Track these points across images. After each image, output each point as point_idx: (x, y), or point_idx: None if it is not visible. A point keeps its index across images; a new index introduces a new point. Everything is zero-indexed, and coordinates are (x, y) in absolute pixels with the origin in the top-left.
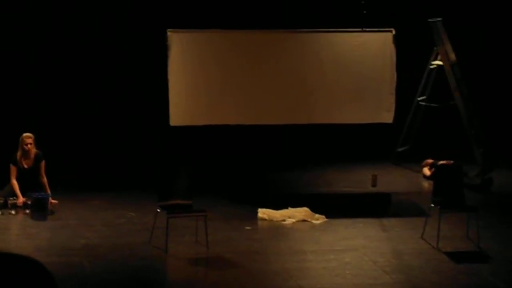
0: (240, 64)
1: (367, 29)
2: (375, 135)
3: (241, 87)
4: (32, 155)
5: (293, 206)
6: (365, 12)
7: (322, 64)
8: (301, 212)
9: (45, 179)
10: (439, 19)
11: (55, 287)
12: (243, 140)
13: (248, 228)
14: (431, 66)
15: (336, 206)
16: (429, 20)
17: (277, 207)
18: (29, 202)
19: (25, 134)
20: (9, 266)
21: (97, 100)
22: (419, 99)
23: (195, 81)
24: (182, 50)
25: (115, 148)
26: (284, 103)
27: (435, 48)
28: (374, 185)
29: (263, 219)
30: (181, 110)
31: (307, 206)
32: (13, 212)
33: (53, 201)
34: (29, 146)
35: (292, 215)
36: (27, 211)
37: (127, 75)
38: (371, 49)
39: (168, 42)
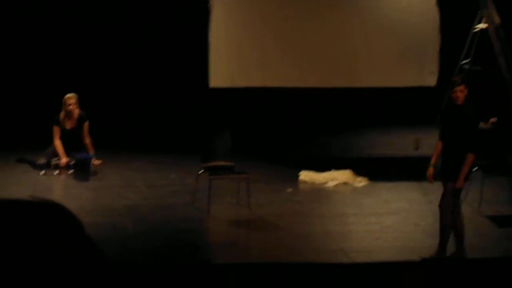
0: (283, 25)
1: None
2: (418, 99)
3: (283, 49)
4: (75, 116)
5: (335, 169)
6: None
7: (365, 28)
8: (344, 175)
9: (88, 140)
10: None
11: (81, 230)
12: (285, 102)
13: (289, 190)
14: (475, 29)
15: (378, 169)
16: None
17: (319, 170)
18: (72, 163)
19: (68, 95)
20: (31, 213)
21: (139, 61)
22: (462, 62)
23: (237, 43)
24: (224, 10)
25: (158, 109)
26: (327, 65)
27: (479, 11)
28: (417, 148)
29: (305, 182)
30: (222, 72)
31: (349, 169)
32: (56, 172)
33: (96, 161)
34: (71, 106)
35: (334, 177)
36: (70, 171)
37: (168, 36)
38: (415, 12)
39: (210, 2)
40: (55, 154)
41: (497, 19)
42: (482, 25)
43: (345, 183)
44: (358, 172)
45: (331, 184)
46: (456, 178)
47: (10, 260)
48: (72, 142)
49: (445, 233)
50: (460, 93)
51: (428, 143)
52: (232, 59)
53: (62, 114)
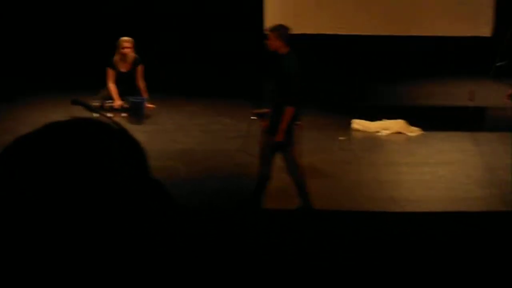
0: None
1: None
2: (474, 49)
3: None
4: (130, 59)
5: (388, 118)
6: None
7: None
8: (397, 124)
9: (142, 83)
10: None
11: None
12: (340, 50)
13: (342, 138)
14: None
15: (432, 119)
16: None
17: (372, 119)
18: (125, 106)
19: (123, 38)
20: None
21: (195, 7)
22: None
23: None
24: None
25: (211, 55)
26: (381, 14)
27: None
28: (471, 99)
29: (357, 130)
30: (276, 19)
31: (403, 118)
32: (109, 115)
33: (149, 105)
34: (127, 50)
35: (387, 126)
36: (124, 114)
37: None
38: None
39: None
40: (110, 97)
41: None
42: None
43: (398, 132)
44: (411, 121)
45: (384, 133)
46: (275, 132)
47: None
48: (126, 86)
49: (260, 182)
50: (270, 41)
51: (482, 94)
52: (288, 5)
53: (117, 57)
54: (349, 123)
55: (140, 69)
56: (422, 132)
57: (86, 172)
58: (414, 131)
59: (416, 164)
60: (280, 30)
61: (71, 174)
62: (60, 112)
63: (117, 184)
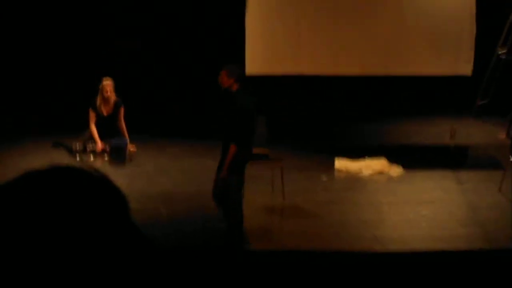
0: (319, 14)
1: None
2: (454, 88)
3: (319, 36)
4: (112, 102)
5: (370, 157)
6: None
7: (401, 15)
8: (378, 163)
9: (124, 126)
10: None
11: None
12: (320, 90)
13: (324, 178)
14: None
15: (413, 158)
16: None
17: (354, 158)
18: (107, 148)
19: (105, 81)
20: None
21: (176, 48)
22: (499, 52)
23: (272, 30)
24: None
25: (194, 96)
26: (362, 53)
27: None
28: (452, 137)
29: (340, 170)
30: (258, 59)
31: (384, 157)
32: (91, 158)
33: (131, 147)
34: (109, 93)
35: (369, 166)
36: (105, 157)
37: (205, 24)
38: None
39: None
40: (91, 139)
41: None
42: None
43: (380, 172)
44: (392, 160)
45: (366, 173)
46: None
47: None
48: (108, 128)
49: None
50: (222, 78)
51: (464, 133)
52: (268, 46)
53: (98, 100)
54: (332, 163)
55: (121, 111)
56: (404, 171)
57: (63, 224)
58: (396, 170)
59: (399, 203)
60: (231, 68)
61: (48, 226)
62: (41, 155)
63: (94, 234)
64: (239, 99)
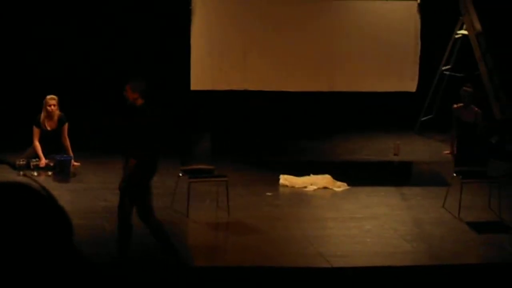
0: (265, 29)
1: None
2: (398, 104)
3: (265, 53)
4: (56, 117)
5: (315, 173)
6: None
7: (347, 32)
8: (323, 179)
9: (68, 142)
10: None
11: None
12: (265, 106)
13: (269, 194)
14: (456, 36)
15: (358, 174)
16: None
17: (299, 174)
18: (51, 164)
19: (49, 96)
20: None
21: (119, 63)
22: (443, 68)
23: (218, 46)
24: (205, 14)
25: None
26: (307, 70)
27: (460, 17)
28: (396, 154)
29: (284, 186)
30: (202, 75)
31: (329, 174)
32: (35, 173)
33: (75, 163)
34: (52, 107)
35: (313, 182)
36: (50, 173)
37: (150, 39)
38: (396, 18)
39: (192, 6)
40: (35, 155)
41: (477, 26)
42: (463, 31)
43: (325, 188)
44: (337, 176)
45: (310, 188)
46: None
47: None
48: (52, 144)
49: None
50: (127, 93)
51: (407, 149)
52: (213, 62)
53: (42, 115)
54: (276, 179)
55: (65, 127)
56: (348, 187)
57: (5, 241)
58: (340, 186)
59: (343, 219)
60: (136, 83)
61: None
62: None
63: (34, 252)
64: (143, 114)
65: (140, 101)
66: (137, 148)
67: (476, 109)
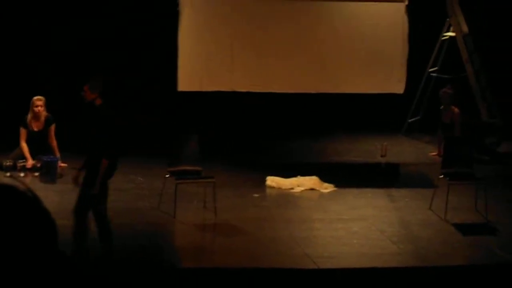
0: (251, 31)
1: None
2: (386, 106)
3: (252, 54)
4: (43, 118)
5: (302, 175)
6: None
7: (334, 34)
8: (310, 181)
9: (54, 142)
10: None
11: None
12: (253, 107)
13: (256, 195)
14: (443, 37)
15: (345, 176)
16: None
17: (286, 175)
18: (38, 165)
19: (35, 97)
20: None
21: (107, 64)
22: (430, 70)
23: (205, 47)
24: (193, 15)
25: (125, 112)
26: (295, 71)
27: (447, 19)
28: (383, 155)
29: (271, 187)
30: (190, 76)
31: (316, 175)
32: (22, 174)
33: (62, 164)
34: (39, 108)
35: (301, 183)
36: (36, 174)
37: (137, 40)
38: (383, 19)
39: (179, 7)
40: (22, 156)
41: (464, 28)
42: (451, 33)
43: (312, 189)
44: (324, 178)
45: (297, 189)
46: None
47: None
48: (39, 144)
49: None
50: (85, 93)
51: (394, 150)
52: (201, 63)
53: (29, 116)
54: (264, 180)
55: (52, 128)
56: (335, 188)
57: None
58: (327, 188)
59: (330, 221)
60: (94, 82)
61: None
62: None
63: (17, 253)
64: (103, 113)
65: (99, 101)
66: (110, 149)
67: (456, 110)
